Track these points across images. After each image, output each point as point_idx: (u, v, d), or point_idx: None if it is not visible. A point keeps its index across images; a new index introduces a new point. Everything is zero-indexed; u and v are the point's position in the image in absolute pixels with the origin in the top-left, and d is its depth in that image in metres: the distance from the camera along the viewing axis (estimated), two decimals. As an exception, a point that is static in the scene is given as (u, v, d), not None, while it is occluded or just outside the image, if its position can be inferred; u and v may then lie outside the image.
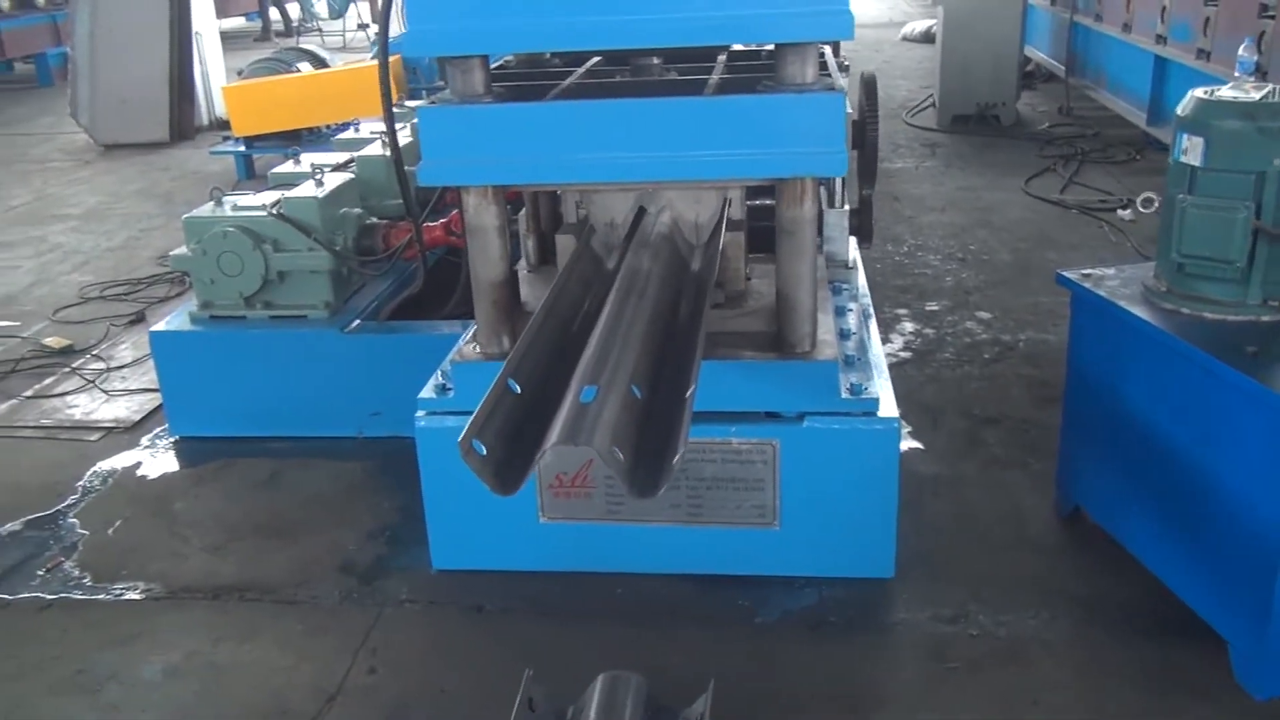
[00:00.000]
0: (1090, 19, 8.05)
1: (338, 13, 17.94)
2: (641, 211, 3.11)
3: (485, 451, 2.05)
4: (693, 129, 2.62)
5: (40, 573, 3.30)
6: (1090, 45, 8.23)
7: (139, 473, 3.90)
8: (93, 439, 4.17)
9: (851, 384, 2.93)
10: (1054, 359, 4.44)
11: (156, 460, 3.98)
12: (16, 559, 3.37)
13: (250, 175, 8.38)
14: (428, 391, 3.08)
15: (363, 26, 18.31)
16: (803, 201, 2.75)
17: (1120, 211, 6.24)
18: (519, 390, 2.27)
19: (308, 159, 4.70)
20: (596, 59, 3.47)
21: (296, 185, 4.19)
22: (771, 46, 3.27)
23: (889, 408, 2.93)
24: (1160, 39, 6.54)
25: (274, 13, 19.17)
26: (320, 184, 4.09)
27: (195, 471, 3.89)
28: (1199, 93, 2.76)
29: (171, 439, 4.12)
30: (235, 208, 4.05)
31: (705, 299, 2.64)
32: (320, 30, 17.70)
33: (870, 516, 2.97)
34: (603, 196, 3.12)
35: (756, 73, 3.05)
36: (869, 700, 2.65)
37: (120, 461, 3.98)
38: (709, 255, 2.98)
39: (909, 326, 4.83)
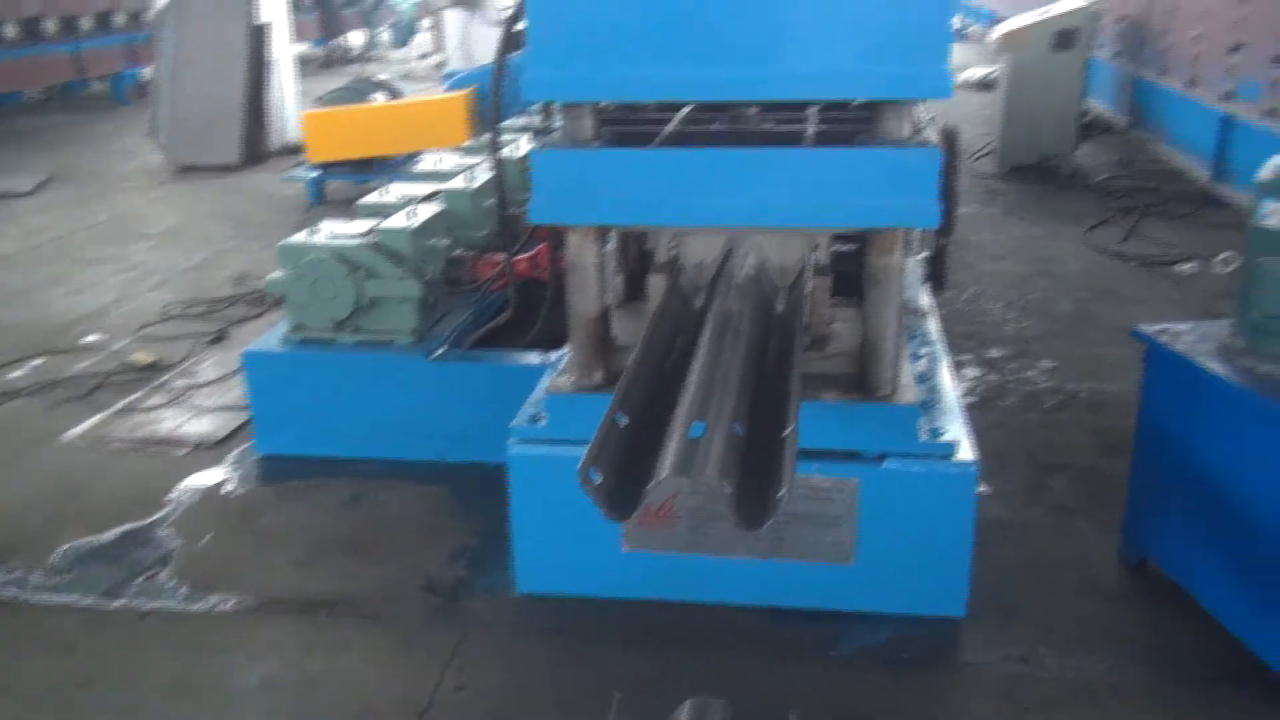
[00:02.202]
0: (1154, 73, 8.12)
1: (402, 42, 18.36)
2: (729, 254, 3.24)
3: (599, 480, 2.16)
4: (795, 178, 2.74)
5: (138, 581, 3.44)
6: (1153, 100, 8.30)
7: (226, 488, 4.05)
8: (181, 453, 4.34)
9: (931, 427, 3.03)
10: (1116, 409, 4.51)
11: (243, 476, 4.13)
12: (114, 567, 3.52)
13: (321, 201, 8.62)
14: (520, 420, 3.20)
15: (424, 56, 18.74)
16: (893, 251, 2.87)
17: (1182, 266, 6.29)
18: (625, 423, 2.39)
19: (395, 189, 4.88)
20: (690, 106, 3.60)
21: (386, 215, 4.36)
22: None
23: (966, 451, 3.01)
24: (1227, 96, 6.61)
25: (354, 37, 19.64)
26: (412, 215, 4.25)
27: (280, 488, 4.03)
28: (1281, 159, 2.83)
29: (256, 456, 4.27)
30: (330, 235, 4.22)
31: (797, 341, 2.75)
32: (384, 59, 18.09)
33: (944, 555, 3.05)
34: (694, 238, 3.24)
35: (849, 124, 3.17)
36: (943, 736, 2.73)
37: (208, 476, 4.13)
38: (794, 298, 3.09)
39: (972, 372, 4.91)
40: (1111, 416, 4.44)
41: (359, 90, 8.82)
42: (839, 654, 3.01)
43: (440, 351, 4.13)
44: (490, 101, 3.46)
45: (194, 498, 3.97)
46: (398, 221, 4.21)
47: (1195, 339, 3.07)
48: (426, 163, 8.78)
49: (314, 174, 8.60)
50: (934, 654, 3.01)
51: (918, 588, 3.09)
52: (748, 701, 2.66)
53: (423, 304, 4.18)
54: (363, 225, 4.29)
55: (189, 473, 4.16)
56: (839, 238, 3.47)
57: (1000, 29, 8.82)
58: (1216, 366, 2.90)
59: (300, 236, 4.24)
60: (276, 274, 4.22)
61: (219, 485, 4.06)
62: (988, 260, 6.60)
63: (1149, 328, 3.18)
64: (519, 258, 4.23)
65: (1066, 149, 8.62)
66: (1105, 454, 4.11)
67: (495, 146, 3.47)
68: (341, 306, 4.11)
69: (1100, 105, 9.63)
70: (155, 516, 3.83)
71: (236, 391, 4.89)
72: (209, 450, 4.35)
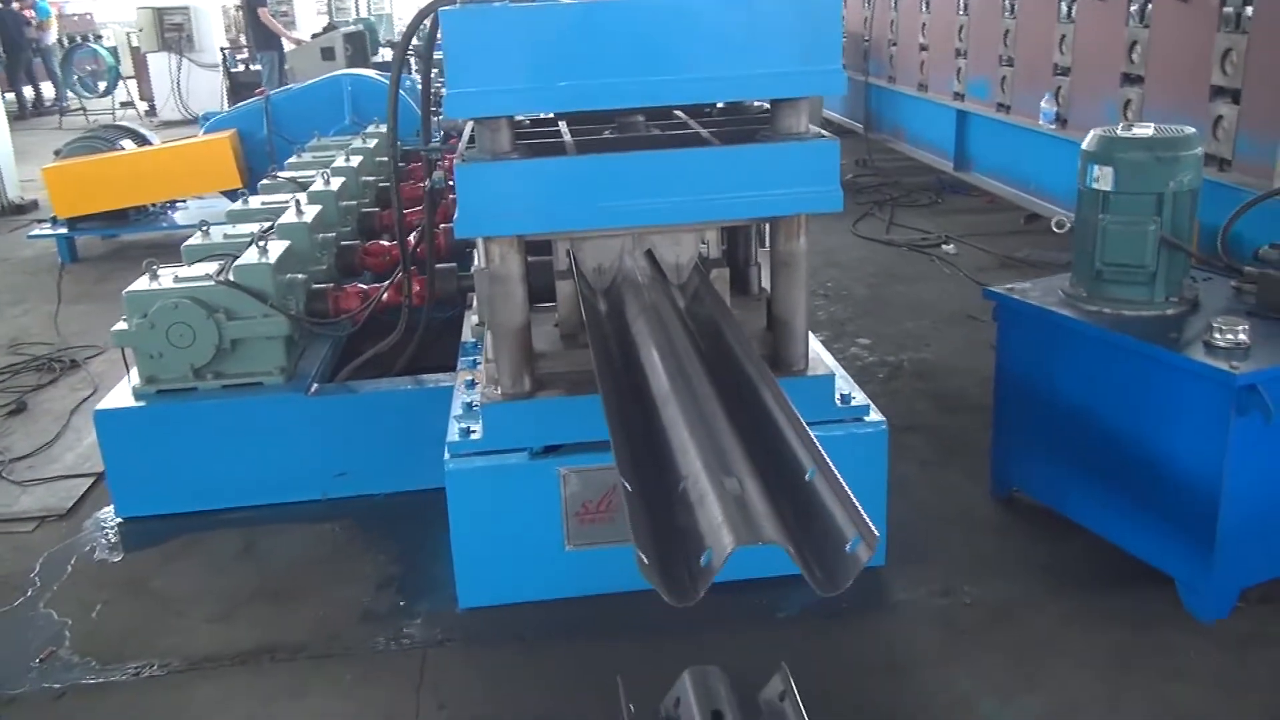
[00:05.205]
0: (884, 81, 8.98)
1: (101, 90, 17.13)
2: (624, 255, 3.38)
3: (647, 561, 2.03)
4: (715, 176, 2.93)
5: (35, 664, 3.16)
6: (884, 104, 9.17)
7: (97, 557, 3.76)
8: (28, 530, 3.98)
9: (841, 394, 3.31)
10: (937, 374, 5.02)
11: (111, 543, 3.85)
12: (1, 655, 3.21)
13: (74, 258, 8.01)
14: (452, 435, 3.21)
15: (126, 104, 17.62)
16: (799, 236, 3.13)
17: (944, 246, 7.03)
18: (630, 490, 2.24)
19: (218, 231, 4.68)
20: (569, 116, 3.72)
21: (223, 255, 4.20)
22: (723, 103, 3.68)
23: (875, 413, 3.32)
24: (959, 96, 7.43)
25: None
26: (265, 251, 4.12)
27: (160, 549, 3.78)
28: (1100, 132, 3.32)
29: (119, 520, 3.98)
30: (177, 279, 4.02)
31: (750, 351, 2.79)
32: (85, 109, 16.81)
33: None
34: (593, 243, 3.37)
35: (728, 124, 3.43)
36: (903, 664, 3.00)
37: (71, 549, 3.81)
38: (704, 292, 3.28)
39: (802, 356, 5.29)
40: (936, 380, 4.94)
41: (104, 139, 8.31)
42: (787, 614, 3.23)
43: (316, 387, 4.03)
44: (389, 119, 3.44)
45: (63, 572, 3.66)
46: (252, 257, 4.07)
47: (1040, 293, 3.52)
48: (190, 210, 8.41)
49: (62, 230, 7.98)
50: (869, 600, 3.28)
51: (843, 543, 3.35)
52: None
53: (288, 341, 4.06)
54: (210, 266, 4.12)
55: (45, 548, 3.82)
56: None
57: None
58: (1068, 312, 3.35)
59: (144, 283, 4.01)
60: (121, 325, 3.96)
61: (87, 556, 3.76)
62: (778, 257, 7.08)
63: (999, 288, 3.62)
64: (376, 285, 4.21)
65: (815, 153, 9.36)
66: (945, 413, 4.58)
67: (395, 182, 3.45)
68: (201, 352, 3.93)
69: (834, 114, 10.50)
70: (26, 597, 3.51)
71: (66, 459, 4.55)
72: (60, 522, 4.01)
